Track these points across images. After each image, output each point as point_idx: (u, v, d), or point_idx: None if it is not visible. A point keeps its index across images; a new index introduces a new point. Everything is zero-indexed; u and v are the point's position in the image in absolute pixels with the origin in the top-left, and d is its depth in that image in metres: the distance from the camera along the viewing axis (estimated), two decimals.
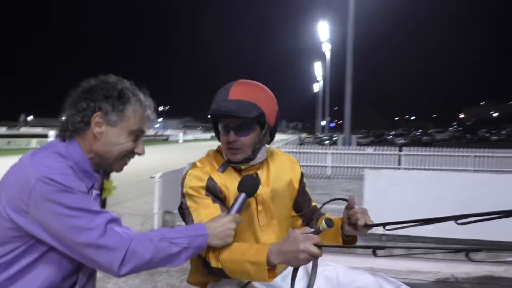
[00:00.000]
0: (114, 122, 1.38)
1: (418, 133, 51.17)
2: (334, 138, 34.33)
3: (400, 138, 42.00)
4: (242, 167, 1.72)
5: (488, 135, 43.66)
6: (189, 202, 1.65)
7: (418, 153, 13.45)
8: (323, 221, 1.46)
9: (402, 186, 5.51)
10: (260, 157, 1.75)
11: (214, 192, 1.65)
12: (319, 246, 1.37)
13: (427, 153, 13.38)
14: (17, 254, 1.29)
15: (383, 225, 1.58)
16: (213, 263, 1.53)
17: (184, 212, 1.66)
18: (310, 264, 1.43)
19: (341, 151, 14.47)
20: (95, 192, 1.43)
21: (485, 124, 65.42)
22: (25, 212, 1.24)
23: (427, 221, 1.41)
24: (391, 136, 45.36)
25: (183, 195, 1.68)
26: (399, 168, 12.62)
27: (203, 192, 1.64)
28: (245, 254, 1.48)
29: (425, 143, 33.02)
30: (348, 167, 13.98)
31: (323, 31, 37.01)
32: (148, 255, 1.29)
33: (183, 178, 1.70)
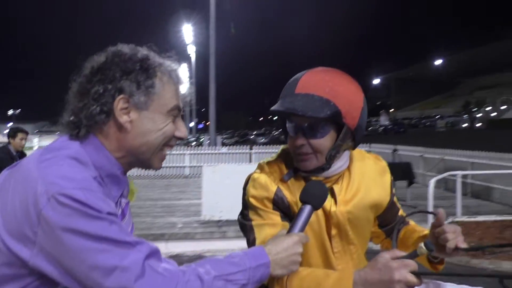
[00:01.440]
0: (145, 103, 1.04)
1: (277, 133, 54.84)
2: (201, 140, 35.27)
3: (261, 138, 44.63)
4: (313, 178, 1.37)
5: None
6: (251, 214, 1.36)
7: (267, 151, 14.96)
8: (423, 243, 1.19)
9: (235, 178, 6.51)
10: (338, 166, 1.39)
11: (281, 207, 1.34)
12: (417, 274, 1.14)
13: (274, 150, 14.94)
14: None
15: (482, 248, 1.44)
16: None
17: (245, 224, 1.36)
18: None
19: (198, 152, 15.33)
20: (124, 201, 1.12)
21: None
22: (31, 243, 0.90)
23: None
24: (253, 136, 47.94)
25: (245, 203, 1.38)
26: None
27: (270, 205, 1.34)
28: (321, 284, 1.23)
29: (283, 142, 35.81)
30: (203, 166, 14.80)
31: (187, 33, 37.58)
32: None
33: (246, 182, 1.41)
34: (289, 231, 1.19)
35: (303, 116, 1.27)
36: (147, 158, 1.08)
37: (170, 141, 1.11)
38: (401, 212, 1.58)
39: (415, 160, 10.27)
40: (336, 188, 1.38)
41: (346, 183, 1.41)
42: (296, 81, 1.33)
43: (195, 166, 15.09)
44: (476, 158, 9.00)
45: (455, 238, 1.26)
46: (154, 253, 0.95)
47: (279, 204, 1.33)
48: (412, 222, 1.58)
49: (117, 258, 0.89)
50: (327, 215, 1.38)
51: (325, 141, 1.31)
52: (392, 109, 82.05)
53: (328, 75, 1.32)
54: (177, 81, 1.11)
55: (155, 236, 6.42)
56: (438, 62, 66.47)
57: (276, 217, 1.32)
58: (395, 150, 8.96)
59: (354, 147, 1.39)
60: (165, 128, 1.07)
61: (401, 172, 8.29)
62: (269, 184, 1.34)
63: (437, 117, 53.75)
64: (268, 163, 1.42)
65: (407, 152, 11.07)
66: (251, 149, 15.02)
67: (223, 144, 20.04)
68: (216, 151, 15.23)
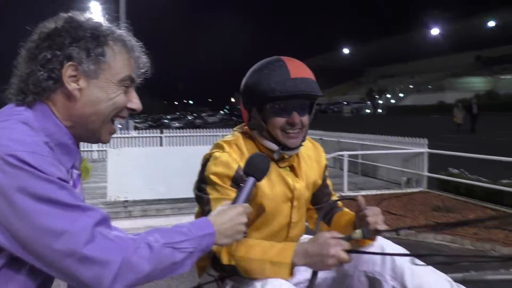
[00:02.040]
0: (94, 71, 1.02)
1: (192, 117, 54.62)
2: None
3: (175, 122, 44.25)
4: (286, 156, 1.54)
5: (235, 118, 49.34)
6: (209, 189, 1.46)
7: (178, 134, 15.12)
8: (360, 230, 1.37)
9: (139, 161, 6.71)
10: (303, 144, 1.58)
11: (240, 185, 1.40)
12: (349, 251, 1.32)
13: (187, 134, 15.13)
14: None
15: (396, 230, 1.69)
16: (225, 260, 1.40)
17: (202, 197, 1.46)
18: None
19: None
20: (76, 172, 1.10)
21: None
22: None
23: (447, 225, 1.59)
24: (167, 121, 47.35)
25: (204, 178, 1.47)
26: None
27: (229, 182, 1.45)
28: (266, 253, 1.36)
29: (198, 126, 35.95)
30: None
31: (95, 13, 35.79)
32: (147, 266, 0.96)
33: (206, 159, 1.50)
34: (234, 202, 1.22)
35: (309, 96, 1.47)
36: (96, 129, 1.05)
37: (122, 112, 1.08)
38: (334, 197, 1.75)
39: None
40: (295, 165, 1.58)
41: (298, 161, 1.60)
42: (285, 68, 1.47)
43: (103, 150, 14.81)
44: (365, 141, 10.00)
45: (375, 221, 1.42)
46: (105, 220, 0.94)
47: (238, 181, 1.41)
48: (345, 208, 1.73)
49: (67, 222, 0.88)
50: (291, 190, 1.55)
51: (308, 118, 1.52)
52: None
53: (301, 63, 1.52)
54: (130, 51, 1.07)
55: None
56: (346, 51, 70.29)
57: (233, 193, 1.37)
58: None
59: None
60: (116, 98, 1.04)
61: None
62: (231, 163, 1.45)
63: (344, 103, 56.82)
64: (227, 142, 1.53)
65: (309, 135, 11.91)
66: (161, 133, 15.07)
67: (136, 128, 19.69)
68: (126, 135, 15.05)
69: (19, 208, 0.86)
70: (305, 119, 1.50)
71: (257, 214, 1.52)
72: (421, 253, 1.42)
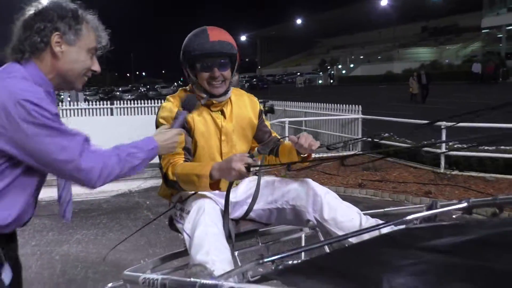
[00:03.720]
0: (73, 40, 1.42)
1: (145, 89, 53.56)
2: (61, 96, 33.03)
3: (128, 94, 43.38)
4: (213, 101, 1.96)
5: None
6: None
7: (129, 106, 15.15)
8: (257, 148, 1.82)
9: (85, 130, 6.94)
10: (229, 93, 2.01)
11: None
12: (248, 166, 1.66)
13: (137, 106, 15.13)
14: None
15: (326, 146, 2.21)
16: (170, 177, 1.85)
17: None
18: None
19: (61, 107, 14.91)
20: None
21: None
22: (1, 135, 1.29)
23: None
24: (119, 93, 46.33)
25: (156, 122, 1.94)
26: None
27: (171, 122, 1.84)
28: (194, 169, 1.80)
29: (151, 98, 35.47)
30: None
31: None
32: (118, 169, 1.43)
33: (158, 110, 1.98)
34: (171, 127, 1.70)
35: (220, 55, 1.88)
36: (71, 80, 1.47)
37: (87, 72, 1.51)
38: (274, 134, 2.17)
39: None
40: (225, 109, 2.00)
41: (229, 106, 2.02)
42: (205, 33, 1.90)
43: None
44: (308, 109, 10.60)
45: (306, 141, 1.80)
46: (88, 140, 1.39)
47: None
48: (285, 141, 2.10)
49: (66, 140, 1.32)
50: (219, 128, 1.98)
51: (229, 72, 1.94)
52: (259, 67, 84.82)
53: (221, 29, 1.96)
54: (96, 29, 1.50)
55: None
56: (299, 22, 70.62)
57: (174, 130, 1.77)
58: None
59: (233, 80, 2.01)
60: (86, 61, 1.47)
61: None
62: (172, 108, 1.92)
63: (297, 74, 57.24)
64: (172, 96, 2.01)
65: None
66: (111, 104, 15.05)
67: (86, 101, 19.35)
68: (75, 107, 14.92)
69: (33, 134, 1.29)
70: (226, 73, 1.93)
71: (195, 147, 1.97)
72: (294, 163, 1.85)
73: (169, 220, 2.12)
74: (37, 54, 1.41)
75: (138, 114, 14.58)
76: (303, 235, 2.24)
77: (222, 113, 2.02)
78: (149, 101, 15.19)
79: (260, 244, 2.13)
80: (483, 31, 41.67)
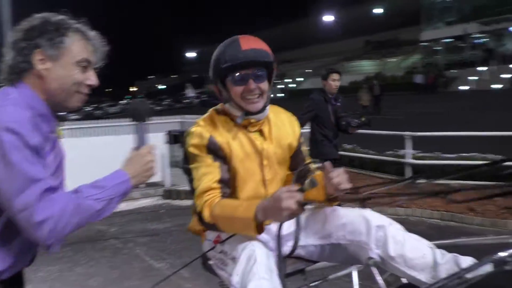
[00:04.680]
0: (56, 56, 1.31)
1: (91, 108, 51.75)
2: None
3: (73, 114, 41.71)
4: (251, 120, 1.71)
5: (152, 106, 47.94)
6: (191, 160, 1.69)
7: (78, 126, 14.26)
8: (308, 180, 1.51)
9: None
10: (267, 109, 1.75)
11: (215, 151, 1.67)
12: (301, 204, 1.40)
13: (84, 126, 14.25)
14: None
15: (358, 188, 1.59)
16: (206, 218, 1.59)
17: (186, 169, 1.71)
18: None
19: None
20: (54, 136, 1.37)
21: (154, 95, 71.83)
22: None
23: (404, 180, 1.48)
24: (64, 113, 44.31)
25: (186, 152, 1.72)
26: None
27: (205, 150, 1.67)
28: (235, 210, 1.52)
29: (98, 117, 34.31)
30: None
31: None
32: (75, 219, 1.23)
33: (185, 136, 1.73)
34: (137, 148, 1.41)
35: (255, 64, 1.64)
36: (63, 99, 1.34)
37: (81, 88, 1.36)
38: (309, 161, 1.89)
39: None
40: (264, 129, 1.75)
41: (268, 125, 1.77)
42: (237, 42, 1.65)
43: None
44: None
45: (339, 181, 1.55)
46: (52, 189, 1.21)
47: (212, 149, 1.66)
48: (317, 171, 1.82)
49: (23, 184, 1.16)
50: (259, 151, 1.72)
51: (267, 84, 1.69)
52: (208, 82, 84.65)
53: (254, 38, 1.71)
54: (88, 39, 1.36)
55: None
56: None
57: (209, 159, 1.65)
58: None
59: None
60: (75, 75, 1.33)
61: None
62: (203, 133, 1.67)
63: None
64: (202, 119, 1.76)
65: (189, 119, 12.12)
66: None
67: None
68: None
69: (5, 165, 1.16)
70: (263, 85, 1.69)
71: (233, 176, 1.71)
72: (366, 197, 1.53)
73: (203, 260, 1.84)
74: (25, 76, 1.32)
75: (88, 135, 13.83)
76: (355, 272, 1.86)
77: (261, 133, 1.77)
78: (98, 120, 14.53)
79: (309, 284, 1.85)
80: (422, 44, 43.81)
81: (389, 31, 58.40)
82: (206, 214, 1.59)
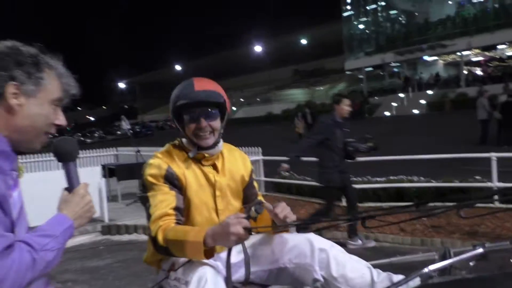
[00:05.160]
0: (33, 91, 1.21)
1: None
2: None
3: None
4: (205, 154, 1.85)
5: (82, 138, 45.87)
6: (148, 188, 1.79)
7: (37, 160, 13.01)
8: (253, 207, 1.58)
9: None
10: (219, 145, 1.90)
11: (171, 181, 1.78)
12: (248, 229, 1.50)
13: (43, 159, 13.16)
14: None
15: (310, 222, 1.71)
16: (160, 242, 1.66)
17: (144, 196, 1.80)
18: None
19: None
20: (15, 173, 1.25)
21: (83, 127, 68.89)
22: None
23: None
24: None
25: (144, 182, 1.81)
26: None
27: (162, 180, 1.77)
28: (186, 235, 1.60)
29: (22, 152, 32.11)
30: None
31: None
32: (30, 274, 1.14)
33: (144, 167, 1.83)
34: (70, 190, 1.34)
35: (207, 104, 1.79)
36: (30, 139, 1.25)
37: (50, 128, 1.28)
38: (260, 197, 2.02)
39: None
40: (217, 163, 1.90)
41: (221, 160, 1.92)
42: (191, 84, 1.81)
43: None
44: None
45: (284, 215, 1.68)
46: (11, 246, 1.10)
47: (169, 178, 1.78)
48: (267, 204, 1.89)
49: None
50: (212, 183, 1.87)
51: (218, 122, 1.84)
52: (139, 113, 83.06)
53: (209, 80, 1.88)
54: (61, 77, 1.28)
55: None
56: (178, 67, 71.51)
57: (166, 188, 1.76)
58: (138, 151, 9.73)
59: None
60: (49, 115, 1.26)
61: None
62: (161, 165, 1.79)
63: None
64: (161, 152, 1.88)
65: (149, 153, 12.00)
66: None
67: None
68: None
69: None
70: (214, 123, 1.84)
71: (187, 205, 1.83)
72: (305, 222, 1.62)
73: None
74: None
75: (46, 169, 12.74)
76: None
77: (214, 167, 1.92)
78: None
79: None
80: (346, 72, 46.37)
81: (315, 61, 61.31)
82: (160, 238, 1.67)
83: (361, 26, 45.11)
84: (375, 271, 1.73)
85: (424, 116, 29.43)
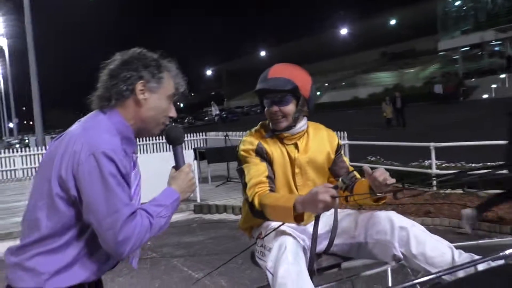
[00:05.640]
0: (155, 88, 1.48)
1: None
2: (26, 141, 32.04)
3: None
4: (285, 134, 2.00)
5: (174, 124, 48.03)
6: (242, 161, 1.98)
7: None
8: (340, 178, 1.68)
9: None
10: (299, 126, 2.01)
11: (262, 154, 1.96)
12: (335, 197, 1.59)
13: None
14: (75, 234, 1.39)
15: (403, 183, 1.80)
16: (257, 207, 1.84)
17: (239, 169, 1.99)
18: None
19: (28, 153, 14.44)
20: (135, 156, 1.53)
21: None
22: (71, 180, 1.33)
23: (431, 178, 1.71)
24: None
25: (238, 157, 2.01)
26: None
27: (253, 154, 1.96)
28: (279, 200, 1.77)
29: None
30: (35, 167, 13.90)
31: None
32: (147, 236, 1.38)
33: (239, 144, 2.04)
34: (177, 168, 1.58)
35: (274, 91, 1.93)
36: (151, 127, 1.52)
37: (166, 119, 1.55)
38: (351, 169, 2.09)
39: None
40: (299, 142, 2.02)
41: (305, 139, 2.04)
42: (268, 71, 1.98)
43: (28, 168, 14.21)
44: None
45: (383, 178, 1.70)
46: (135, 214, 1.35)
47: (259, 152, 1.95)
48: (362, 178, 1.98)
49: (115, 207, 1.30)
50: (292, 160, 2.00)
51: (290, 107, 1.95)
52: (225, 99, 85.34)
53: (288, 65, 2.02)
54: (174, 77, 1.55)
55: (1, 236, 6.39)
56: (263, 53, 72.16)
57: (257, 160, 1.94)
58: (226, 136, 10.12)
59: (309, 114, 2.03)
60: (166, 108, 1.53)
61: (232, 154, 9.43)
62: (253, 140, 1.98)
63: None
64: (252, 130, 2.07)
65: (237, 137, 12.42)
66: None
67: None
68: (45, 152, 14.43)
69: (94, 186, 1.30)
70: (285, 108, 1.95)
71: (276, 177, 1.99)
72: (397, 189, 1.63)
73: (251, 255, 2.08)
74: (121, 102, 1.46)
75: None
76: (389, 269, 2.01)
77: (296, 146, 2.03)
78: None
79: (345, 278, 2.04)
80: (439, 53, 43.62)
81: (405, 42, 58.32)
82: (256, 202, 1.84)
83: (458, 3, 41.91)
84: (457, 251, 1.73)
85: None
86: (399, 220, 1.82)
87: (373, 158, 8.40)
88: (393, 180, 1.73)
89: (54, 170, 1.35)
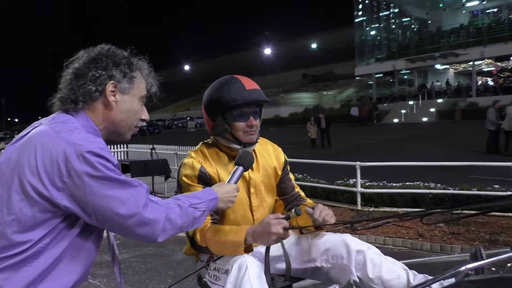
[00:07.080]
0: (127, 89, 1.36)
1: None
2: None
3: (2, 142, 39.12)
4: (235, 151, 1.88)
5: None
6: (183, 189, 1.83)
7: None
8: (293, 209, 1.63)
9: None
10: (257, 141, 1.94)
11: (205, 181, 1.81)
12: (287, 229, 1.59)
13: None
14: (49, 242, 1.21)
15: (350, 223, 1.59)
16: (199, 242, 1.74)
17: None
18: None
19: None
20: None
21: None
22: (61, 189, 1.18)
23: (397, 216, 1.46)
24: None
25: (178, 182, 1.86)
26: None
27: (195, 180, 1.82)
28: (226, 235, 1.68)
29: None
30: None
31: None
32: (180, 221, 1.34)
33: (179, 167, 1.89)
34: (228, 181, 1.64)
35: (262, 102, 1.85)
36: (123, 131, 1.41)
37: (138, 122, 1.44)
38: (297, 189, 2.06)
39: (170, 157, 11.29)
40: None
41: (255, 156, 1.93)
42: (239, 83, 1.83)
43: None
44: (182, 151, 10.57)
45: (320, 215, 1.73)
46: (148, 190, 1.31)
47: (203, 178, 1.81)
48: (307, 199, 2.04)
49: (128, 193, 1.22)
50: (247, 180, 1.90)
51: (259, 121, 1.89)
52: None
53: (249, 78, 1.90)
54: (146, 76, 1.45)
55: None
56: (187, 68, 71.74)
57: (199, 188, 1.75)
58: (152, 149, 9.77)
59: None
60: (138, 110, 1.41)
61: (158, 168, 9.11)
62: (195, 164, 1.83)
63: (187, 118, 57.14)
64: (193, 151, 1.92)
65: (163, 150, 12.04)
66: None
67: None
68: None
69: (97, 188, 1.19)
70: (258, 122, 1.89)
71: None
72: (353, 220, 1.63)
73: (198, 279, 1.94)
74: (89, 104, 1.32)
75: None
76: None
77: (251, 154, 1.92)
78: None
79: None
80: (356, 78, 46.25)
81: (324, 65, 61.23)
82: (198, 238, 1.74)
83: (373, 32, 44.96)
84: (411, 273, 1.74)
85: (433, 124, 29.30)
86: (355, 244, 1.80)
87: (300, 176, 8.53)
88: (333, 220, 1.74)
89: (24, 178, 1.18)
